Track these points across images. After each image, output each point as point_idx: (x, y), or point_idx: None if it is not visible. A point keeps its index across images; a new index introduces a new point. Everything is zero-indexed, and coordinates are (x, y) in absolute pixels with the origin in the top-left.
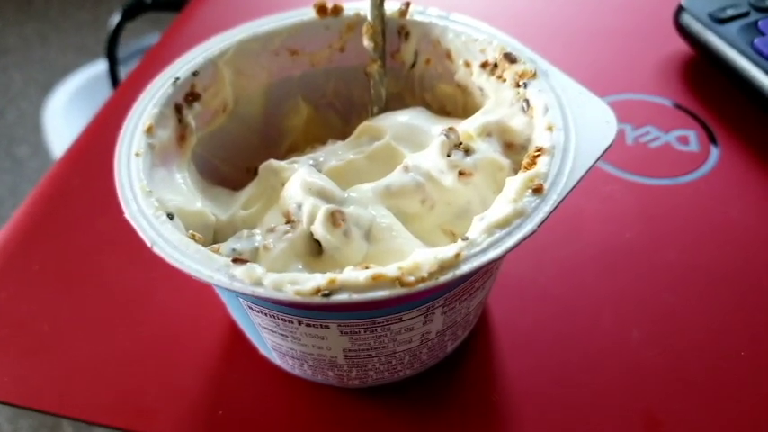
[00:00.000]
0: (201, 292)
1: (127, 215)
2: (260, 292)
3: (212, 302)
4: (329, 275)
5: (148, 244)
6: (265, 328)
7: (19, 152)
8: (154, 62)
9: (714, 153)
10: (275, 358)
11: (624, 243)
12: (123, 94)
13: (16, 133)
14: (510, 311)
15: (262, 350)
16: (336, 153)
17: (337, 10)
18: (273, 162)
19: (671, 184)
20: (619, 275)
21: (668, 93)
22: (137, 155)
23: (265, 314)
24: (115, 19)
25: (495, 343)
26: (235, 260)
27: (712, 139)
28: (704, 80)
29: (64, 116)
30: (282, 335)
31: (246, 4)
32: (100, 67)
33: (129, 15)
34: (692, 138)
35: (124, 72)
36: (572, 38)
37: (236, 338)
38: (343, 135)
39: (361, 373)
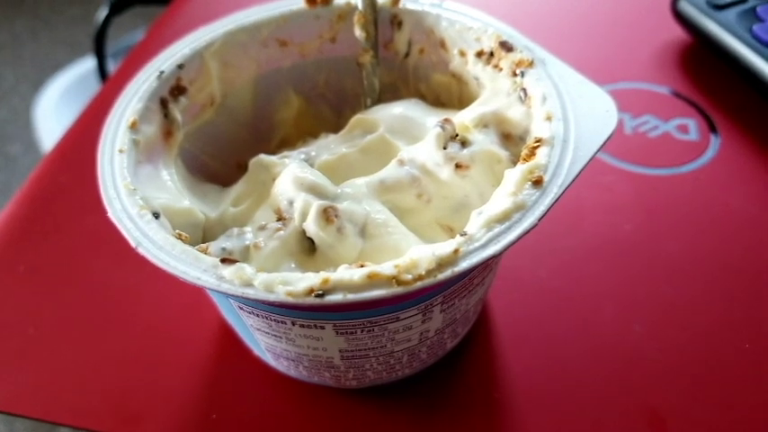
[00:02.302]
0: (193, 293)
1: (110, 214)
2: (250, 293)
3: (204, 303)
4: (323, 275)
5: (133, 244)
6: (258, 330)
7: (11, 150)
8: (141, 57)
9: (714, 141)
10: (270, 360)
11: (624, 235)
12: (110, 90)
13: (8, 131)
14: (510, 306)
15: (256, 352)
16: (329, 147)
17: None
18: (264, 157)
19: (671, 173)
20: (619, 268)
21: (667, 81)
22: (120, 151)
23: (257, 315)
24: (102, 13)
25: (495, 339)
26: (223, 260)
27: (712, 128)
28: (703, 67)
29: (55, 113)
30: (276, 336)
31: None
32: (91, 63)
33: (116, 9)
34: (692, 126)
35: (114, 67)
36: (569, 26)
37: (229, 340)
38: (335, 127)
39: (359, 373)
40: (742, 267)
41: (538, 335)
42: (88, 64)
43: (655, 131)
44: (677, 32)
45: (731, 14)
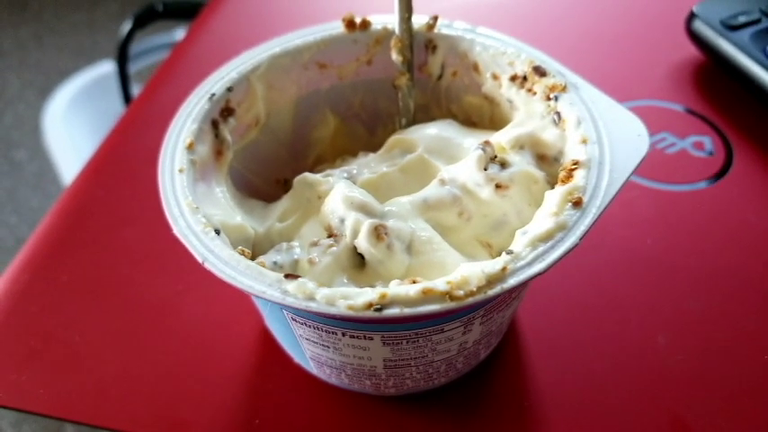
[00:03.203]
0: (231, 303)
1: (175, 232)
2: (313, 307)
3: (243, 312)
4: (380, 290)
5: (200, 260)
6: (307, 339)
7: (17, 156)
8: (169, 74)
9: (730, 158)
10: (312, 368)
11: (646, 249)
12: (138, 108)
13: (14, 137)
14: (537, 318)
15: (297, 359)
16: (369, 165)
17: (366, 24)
18: (308, 175)
19: (689, 189)
20: (642, 281)
21: (682, 99)
22: (180, 171)
23: (309, 326)
24: (126, 26)
25: (524, 349)
26: (287, 276)
27: (727, 145)
28: (717, 86)
29: (64, 119)
30: (324, 346)
31: (258, 16)
32: (100, 70)
33: (140, 23)
34: (708, 143)
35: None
36: (585, 46)
37: (269, 347)
38: (368, 146)
39: (398, 381)
40: (759, 279)
41: (564, 345)
42: (97, 71)
43: (672, 148)
44: (692, 52)
45: (745, 35)
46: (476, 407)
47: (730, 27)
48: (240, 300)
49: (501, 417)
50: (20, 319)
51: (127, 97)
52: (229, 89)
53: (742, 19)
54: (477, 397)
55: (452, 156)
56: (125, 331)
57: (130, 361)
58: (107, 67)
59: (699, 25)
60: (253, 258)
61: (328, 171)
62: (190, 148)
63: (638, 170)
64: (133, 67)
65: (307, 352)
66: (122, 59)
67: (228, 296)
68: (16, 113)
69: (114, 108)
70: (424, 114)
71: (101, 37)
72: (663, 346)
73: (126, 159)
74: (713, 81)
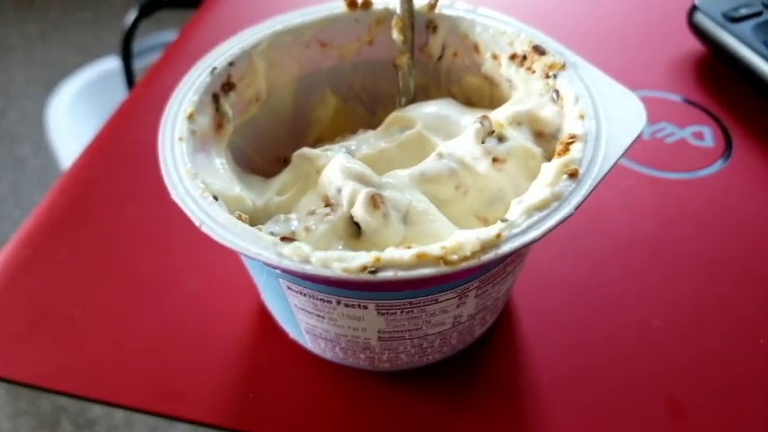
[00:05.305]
0: (229, 279)
1: (174, 197)
2: (308, 269)
3: (240, 288)
4: (374, 254)
5: (197, 223)
6: (302, 309)
7: (21, 151)
8: (173, 58)
9: (729, 148)
10: (307, 342)
11: (643, 235)
12: (144, 89)
13: (18, 132)
14: (533, 300)
15: (293, 334)
16: (368, 141)
17: (367, 4)
18: (307, 150)
19: (688, 177)
20: (639, 266)
21: (683, 90)
22: (180, 139)
23: (304, 294)
24: (131, 16)
25: (518, 330)
26: (283, 238)
27: (726, 135)
28: (718, 78)
29: (68, 115)
30: (319, 316)
31: (260, 4)
32: (104, 66)
33: (145, 12)
34: (707, 133)
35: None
36: (587, 37)
37: (266, 323)
38: (369, 126)
39: (393, 355)
40: (754, 266)
41: (560, 327)
42: (101, 67)
43: (671, 137)
44: (693, 44)
45: (746, 27)
46: (470, 384)
47: (732, 19)
48: (237, 276)
49: (495, 394)
50: (18, 293)
51: (131, 86)
52: (231, 64)
53: (743, 11)
54: (472, 374)
55: (450, 133)
56: (123, 306)
57: (127, 335)
58: (111, 63)
59: (700, 17)
60: None
61: (327, 146)
62: (190, 118)
63: (637, 158)
64: (140, 64)
65: (302, 324)
66: (126, 48)
67: (226, 272)
68: (21, 109)
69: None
70: (424, 95)
71: (106, 34)
72: (658, 328)
73: (128, 140)
74: (714, 73)
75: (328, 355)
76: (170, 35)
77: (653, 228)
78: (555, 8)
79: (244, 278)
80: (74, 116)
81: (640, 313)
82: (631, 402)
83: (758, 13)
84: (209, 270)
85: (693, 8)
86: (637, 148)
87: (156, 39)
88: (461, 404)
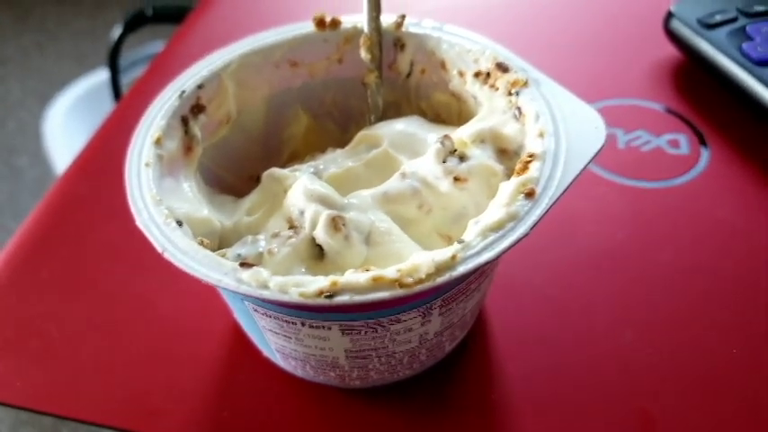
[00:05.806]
0: (206, 298)
1: (138, 223)
2: (266, 294)
3: (216, 308)
4: (331, 278)
5: (159, 250)
6: (270, 331)
7: (18, 162)
8: (157, 73)
9: (705, 156)
10: (279, 360)
11: (617, 244)
12: (128, 104)
13: (15, 143)
14: (506, 312)
15: (265, 353)
16: (336, 161)
17: (335, 23)
18: (275, 170)
19: (662, 186)
20: (612, 276)
21: (659, 97)
22: (146, 165)
23: (270, 316)
24: (117, 31)
25: (492, 343)
26: (242, 264)
27: (702, 142)
28: (694, 84)
29: (64, 126)
30: (286, 336)
31: (245, 17)
32: (99, 76)
33: (130, 28)
34: (683, 141)
35: (125, 81)
36: (563, 45)
37: (240, 342)
38: (341, 143)
39: (362, 373)
40: (730, 276)
41: (533, 340)
42: (96, 78)
43: (647, 146)
44: (669, 50)
45: (722, 33)
46: (443, 399)
47: (707, 26)
48: (213, 296)
49: (468, 409)
50: None
51: (118, 100)
52: (200, 86)
53: (718, 18)
54: (444, 390)
55: (416, 151)
56: (100, 325)
57: (105, 354)
58: (106, 74)
59: (676, 24)
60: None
61: (296, 166)
62: (157, 143)
63: (612, 167)
64: (128, 77)
65: (271, 344)
66: (113, 64)
67: (202, 292)
68: (18, 120)
69: None
70: (395, 112)
71: (102, 44)
72: (631, 340)
73: (111, 156)
74: (691, 79)
75: (300, 373)
76: (161, 47)
77: (626, 237)
78: (530, 18)
79: (218, 298)
80: (70, 126)
81: (613, 325)
82: (604, 414)
83: (733, 20)
84: (186, 290)
85: (669, 15)
86: (612, 157)
87: (148, 50)
88: (434, 420)
